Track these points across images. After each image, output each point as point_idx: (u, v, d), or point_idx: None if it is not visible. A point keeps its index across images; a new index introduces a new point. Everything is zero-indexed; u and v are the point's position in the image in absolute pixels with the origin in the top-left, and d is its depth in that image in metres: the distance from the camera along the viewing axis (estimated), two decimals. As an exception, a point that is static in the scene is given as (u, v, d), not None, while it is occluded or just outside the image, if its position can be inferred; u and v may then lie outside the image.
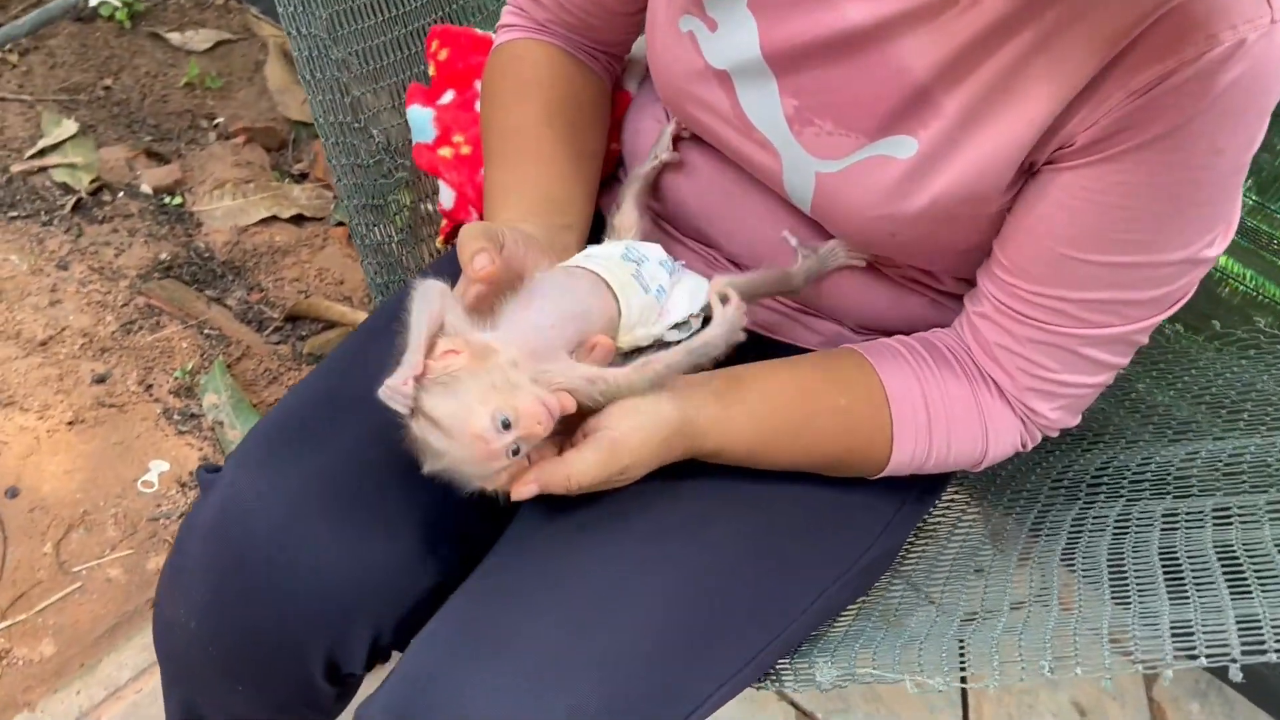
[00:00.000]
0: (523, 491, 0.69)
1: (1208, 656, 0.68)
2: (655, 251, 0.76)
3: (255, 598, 0.76)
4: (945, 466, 0.82)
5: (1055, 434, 0.84)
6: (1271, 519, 0.81)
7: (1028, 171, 0.73)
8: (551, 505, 0.79)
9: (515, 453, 0.65)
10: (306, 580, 0.76)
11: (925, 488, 0.94)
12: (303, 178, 1.96)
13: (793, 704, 1.42)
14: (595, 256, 0.75)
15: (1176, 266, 0.71)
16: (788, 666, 0.84)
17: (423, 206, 1.13)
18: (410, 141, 1.05)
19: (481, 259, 0.68)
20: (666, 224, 0.95)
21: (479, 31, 1.09)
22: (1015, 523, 1.01)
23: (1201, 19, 0.62)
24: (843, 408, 0.79)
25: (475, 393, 0.64)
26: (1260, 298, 1.32)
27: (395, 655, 0.84)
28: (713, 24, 0.78)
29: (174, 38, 2.13)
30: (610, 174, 1.00)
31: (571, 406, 0.69)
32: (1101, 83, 0.66)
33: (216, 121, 2.01)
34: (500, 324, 0.69)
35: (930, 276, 0.87)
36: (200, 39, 2.14)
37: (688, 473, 0.78)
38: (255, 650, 0.78)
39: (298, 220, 1.87)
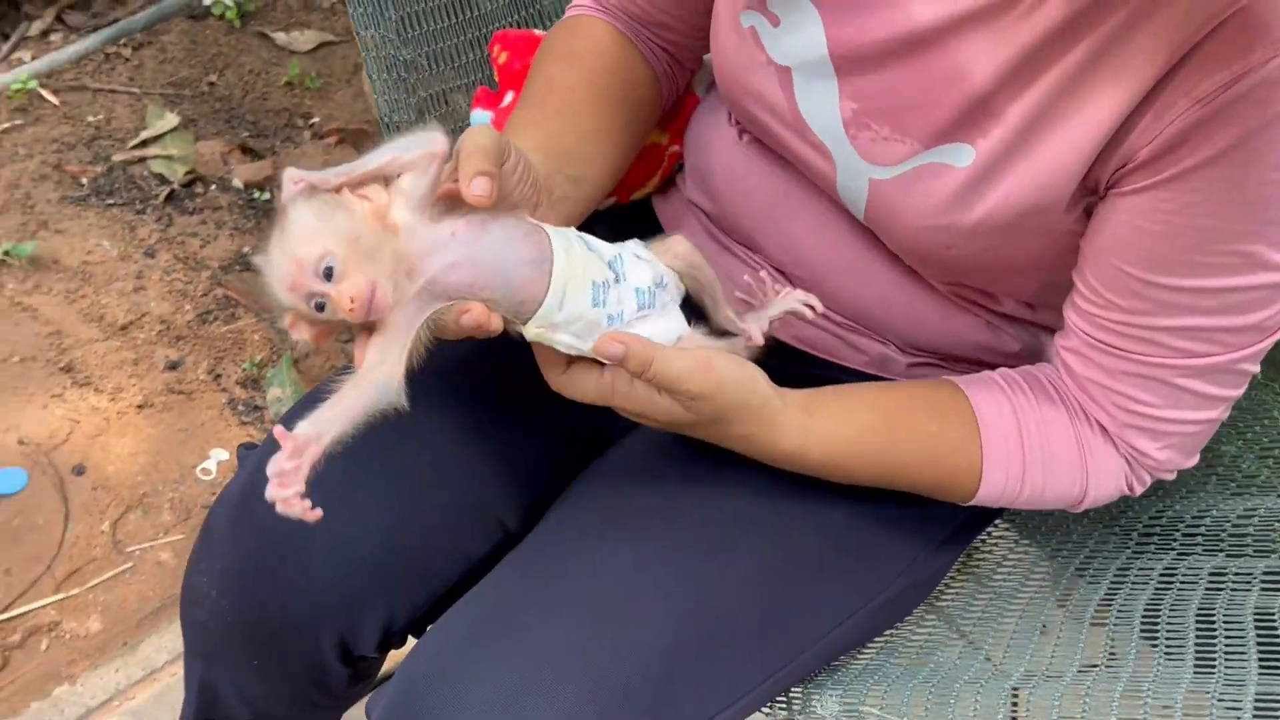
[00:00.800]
0: (609, 348, 0.66)
1: None
2: (646, 279, 0.72)
3: (271, 572, 0.78)
4: (1041, 504, 0.79)
5: (1170, 476, 0.79)
6: None
7: (1092, 191, 0.70)
8: (579, 509, 0.81)
9: (320, 309, 0.60)
10: (323, 560, 0.78)
11: (965, 524, 0.90)
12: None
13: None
14: (582, 240, 0.70)
15: (1269, 290, 0.67)
16: (798, 695, 0.83)
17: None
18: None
19: (481, 184, 0.63)
20: (714, 226, 0.93)
21: (539, 33, 1.09)
22: (1059, 565, 0.96)
23: (1269, 22, 0.59)
24: (932, 434, 0.76)
25: (334, 230, 0.60)
26: None
27: (412, 641, 0.85)
28: (775, 19, 0.77)
29: (279, 37, 2.19)
30: (669, 177, 1.00)
31: (377, 312, 0.63)
32: (1164, 90, 0.63)
33: (312, 121, 2.06)
34: (433, 220, 0.64)
35: (986, 296, 0.83)
36: (304, 40, 2.20)
37: (717, 492, 0.79)
38: (268, 623, 0.80)
39: (379, 221, 1.90)
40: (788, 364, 0.87)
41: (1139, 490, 0.79)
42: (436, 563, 0.83)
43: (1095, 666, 0.82)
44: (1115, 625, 0.86)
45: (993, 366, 0.82)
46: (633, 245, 0.74)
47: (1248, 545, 0.87)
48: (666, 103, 0.96)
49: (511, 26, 1.16)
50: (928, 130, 0.73)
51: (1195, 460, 0.78)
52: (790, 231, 0.86)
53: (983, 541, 1.05)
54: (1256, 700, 0.62)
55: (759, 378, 0.71)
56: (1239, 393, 0.74)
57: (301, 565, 0.78)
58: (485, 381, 0.87)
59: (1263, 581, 0.82)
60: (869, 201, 0.77)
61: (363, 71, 2.16)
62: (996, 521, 1.06)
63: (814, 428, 0.74)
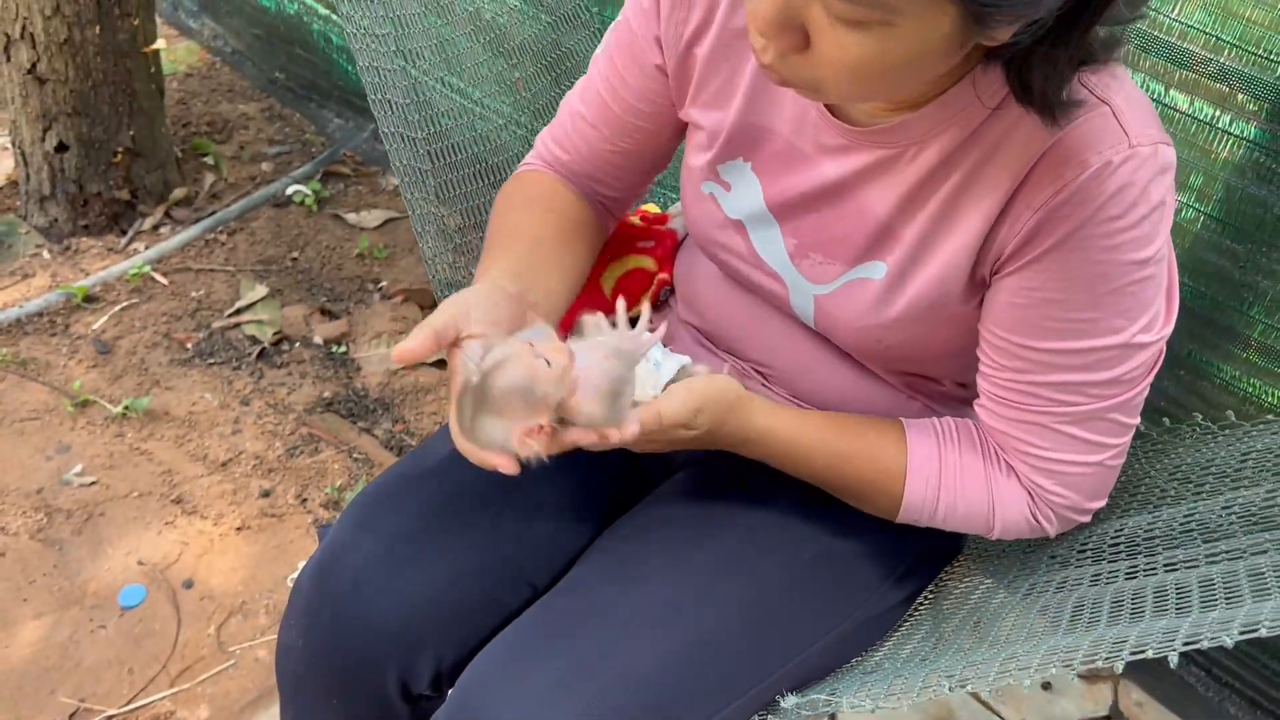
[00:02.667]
0: (628, 432, 0.83)
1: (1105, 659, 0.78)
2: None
3: (341, 626, 0.95)
4: (956, 520, 0.96)
5: (1083, 518, 0.95)
6: (1208, 562, 0.91)
7: (980, 284, 0.90)
8: (593, 564, 0.99)
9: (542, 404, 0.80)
10: (381, 614, 0.94)
11: (927, 554, 1.08)
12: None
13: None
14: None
15: (1117, 350, 0.85)
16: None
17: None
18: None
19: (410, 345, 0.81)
20: (704, 338, 1.14)
21: None
22: (1010, 591, 1.12)
23: (1075, 150, 0.80)
24: (871, 440, 0.97)
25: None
26: (1261, 401, 1.39)
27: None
28: (727, 185, 1.00)
29: (351, 217, 2.52)
30: (661, 299, 1.21)
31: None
32: (1013, 204, 0.84)
33: (381, 284, 2.36)
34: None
35: (927, 381, 1.04)
36: (372, 218, 2.53)
37: (705, 544, 0.97)
38: (340, 668, 0.97)
39: (440, 364, 2.16)
40: None
41: (1051, 529, 0.95)
42: (477, 614, 0.98)
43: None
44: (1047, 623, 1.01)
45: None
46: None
47: (1158, 547, 1.03)
48: (606, 234, 1.17)
49: None
50: (849, 254, 0.94)
51: (1100, 503, 0.94)
52: (763, 342, 1.07)
53: (943, 574, 1.21)
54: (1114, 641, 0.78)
55: (732, 383, 0.92)
56: (1120, 441, 0.91)
57: (368, 616, 0.94)
58: (526, 475, 1.02)
59: (1165, 567, 0.98)
60: (816, 312, 0.99)
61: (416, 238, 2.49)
62: (956, 557, 1.22)
63: (779, 413, 0.95)
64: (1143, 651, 0.70)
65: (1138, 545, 1.05)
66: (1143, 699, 1.65)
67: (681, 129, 1.06)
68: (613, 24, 1.05)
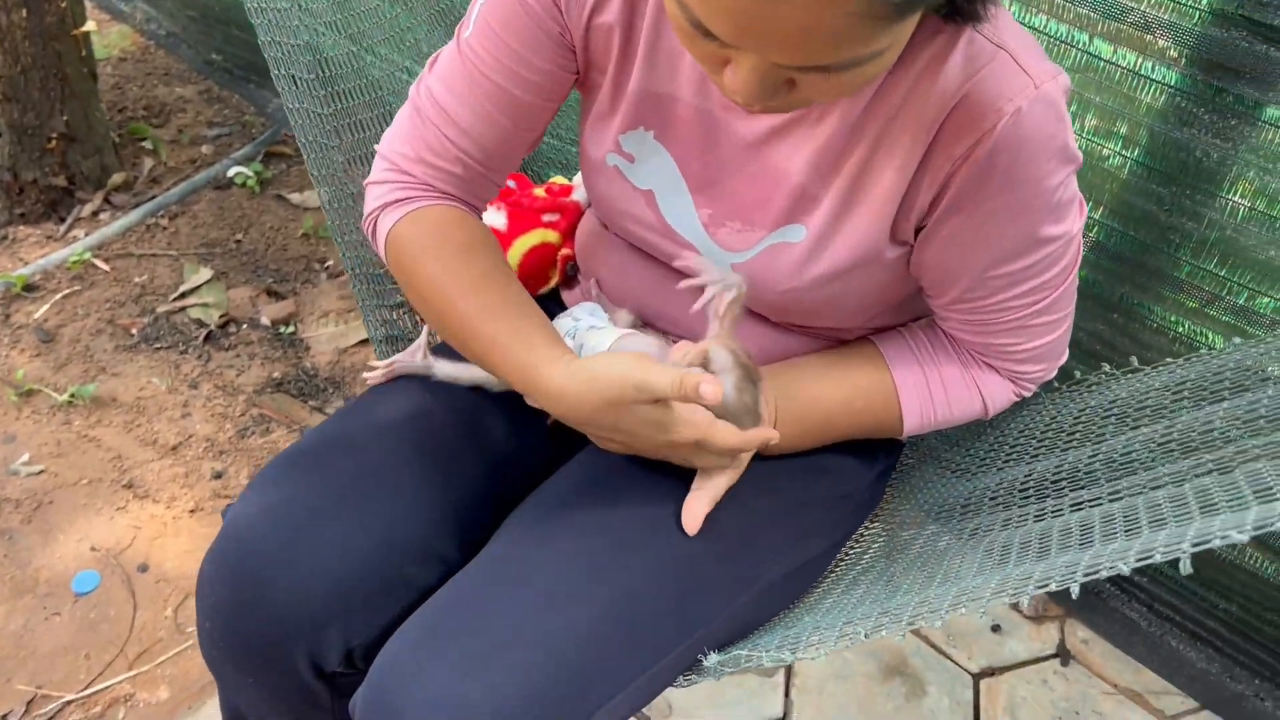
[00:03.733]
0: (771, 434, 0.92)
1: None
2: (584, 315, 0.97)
3: (244, 606, 0.90)
4: (954, 421, 1.04)
5: (1051, 376, 1.05)
6: (1151, 488, 0.94)
7: (903, 240, 0.92)
8: (514, 531, 0.94)
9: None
10: (281, 594, 0.89)
11: (848, 514, 1.09)
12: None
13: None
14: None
15: (1061, 244, 0.90)
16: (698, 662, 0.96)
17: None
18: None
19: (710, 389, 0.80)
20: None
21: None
22: (953, 533, 1.15)
23: (986, 101, 0.81)
24: (856, 410, 1.00)
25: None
26: (1192, 340, 1.43)
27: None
28: (631, 157, 0.97)
29: (294, 197, 2.50)
30: (569, 274, 1.20)
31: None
32: (930, 159, 0.85)
33: (327, 264, 2.35)
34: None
35: (844, 331, 1.05)
36: (315, 198, 2.51)
37: (630, 505, 0.93)
38: (250, 649, 0.92)
39: (389, 341, 2.16)
40: None
41: (1029, 393, 1.05)
42: (387, 590, 0.93)
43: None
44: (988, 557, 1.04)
45: None
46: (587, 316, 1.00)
47: (1100, 478, 1.07)
48: None
49: None
50: (768, 219, 0.93)
51: (1064, 359, 1.04)
52: (674, 310, 1.06)
53: (866, 523, 1.23)
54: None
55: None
56: (1072, 307, 0.98)
57: (268, 596, 0.89)
58: (434, 433, 1.00)
59: (1109, 498, 1.01)
60: None
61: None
62: (893, 506, 1.25)
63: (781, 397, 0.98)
64: (1096, 572, 0.73)
65: (1080, 480, 1.08)
66: (1088, 636, 1.70)
67: (564, 99, 1.00)
68: (480, 4, 0.95)
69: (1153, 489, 0.91)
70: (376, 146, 1.02)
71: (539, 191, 1.25)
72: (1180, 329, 1.44)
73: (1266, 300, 1.37)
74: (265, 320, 2.17)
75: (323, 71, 1.21)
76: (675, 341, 1.06)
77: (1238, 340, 1.05)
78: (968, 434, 1.25)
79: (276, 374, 2.06)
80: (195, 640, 1.60)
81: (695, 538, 0.92)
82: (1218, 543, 0.63)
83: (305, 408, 1.99)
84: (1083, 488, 1.04)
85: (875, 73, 0.72)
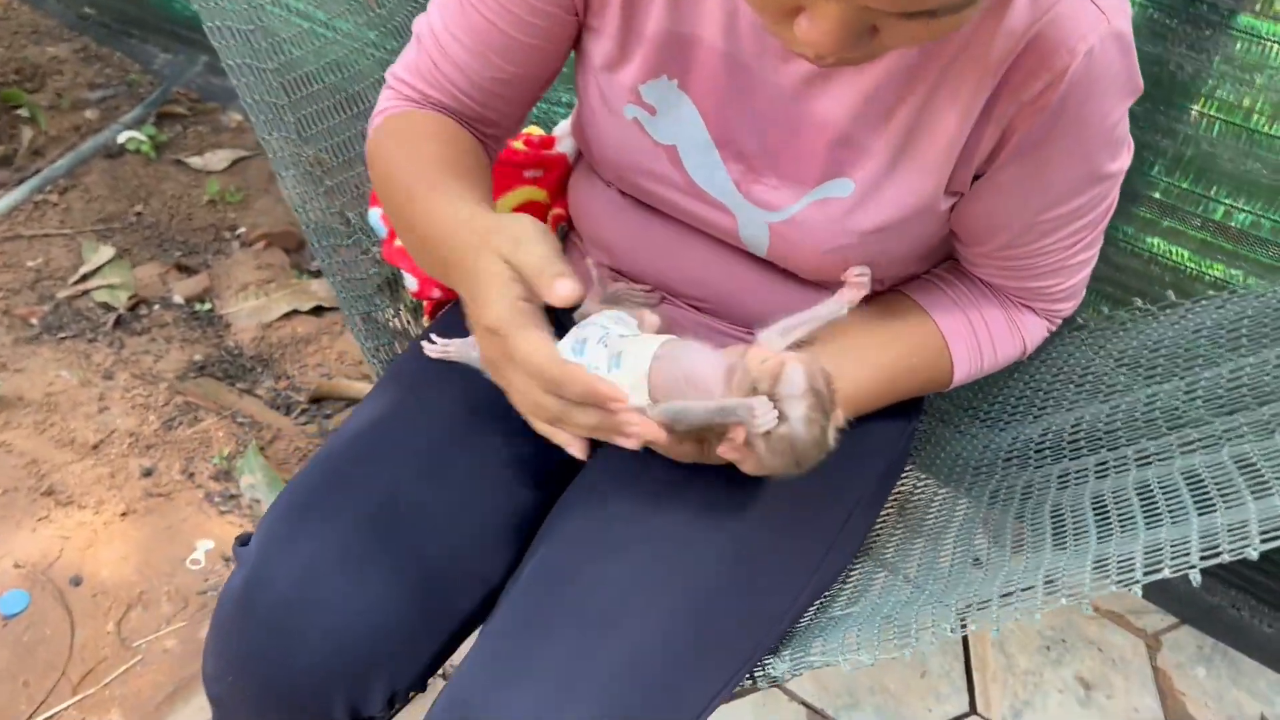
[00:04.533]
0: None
1: (1118, 582, 0.77)
2: (592, 332, 0.84)
3: (277, 658, 0.84)
4: (997, 368, 0.99)
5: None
6: (1183, 452, 0.90)
7: (957, 190, 0.85)
8: (557, 545, 0.88)
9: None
10: (320, 641, 0.83)
11: (880, 482, 1.04)
12: (319, 273, 2.13)
13: (803, 703, 1.50)
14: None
15: (1110, 183, 0.86)
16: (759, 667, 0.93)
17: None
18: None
19: (566, 286, 0.71)
20: (623, 277, 1.03)
21: None
22: (974, 499, 1.10)
23: (1059, 39, 0.75)
24: (913, 367, 0.94)
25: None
26: (1191, 270, 1.41)
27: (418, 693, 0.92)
28: (652, 109, 0.87)
29: (194, 161, 2.33)
30: (559, 235, 1.11)
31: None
32: (997, 102, 0.78)
33: (239, 231, 2.19)
34: None
35: (879, 283, 0.97)
36: (218, 159, 2.34)
37: (672, 508, 0.87)
38: (282, 702, 0.86)
39: (317, 311, 2.03)
40: None
41: (1056, 327, 1.02)
42: (430, 625, 0.88)
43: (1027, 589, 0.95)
44: (1032, 526, 1.00)
45: None
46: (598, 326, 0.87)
47: (1120, 436, 1.03)
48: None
49: None
50: (810, 174, 0.85)
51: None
52: (690, 273, 0.97)
53: (910, 493, 1.20)
54: (1145, 550, 0.76)
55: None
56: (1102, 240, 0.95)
57: (305, 646, 0.83)
58: (446, 450, 0.93)
59: (1136, 460, 0.97)
60: (770, 242, 0.90)
61: (277, 179, 2.31)
62: (911, 471, 1.20)
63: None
64: (1158, 569, 0.68)
65: (1099, 439, 1.04)
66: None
67: (574, 39, 0.92)
68: None
69: (1204, 450, 0.87)
70: (385, 73, 0.98)
71: (517, 145, 1.13)
72: (1151, 247, 1.41)
73: (1244, 215, 1.34)
74: (178, 298, 2.02)
75: (260, 22, 1.09)
76: (704, 317, 0.98)
77: None
78: (973, 392, 1.20)
79: (198, 356, 1.92)
80: (144, 657, 1.49)
81: (748, 528, 0.88)
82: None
83: (233, 391, 1.86)
84: (1104, 447, 1.00)
85: (974, 15, 0.65)
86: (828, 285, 0.94)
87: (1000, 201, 0.85)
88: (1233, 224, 1.34)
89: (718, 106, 0.86)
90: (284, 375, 1.91)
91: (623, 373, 0.80)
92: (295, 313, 2.02)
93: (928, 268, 1.00)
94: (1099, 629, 1.60)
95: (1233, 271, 1.37)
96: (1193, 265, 1.40)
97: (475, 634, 0.89)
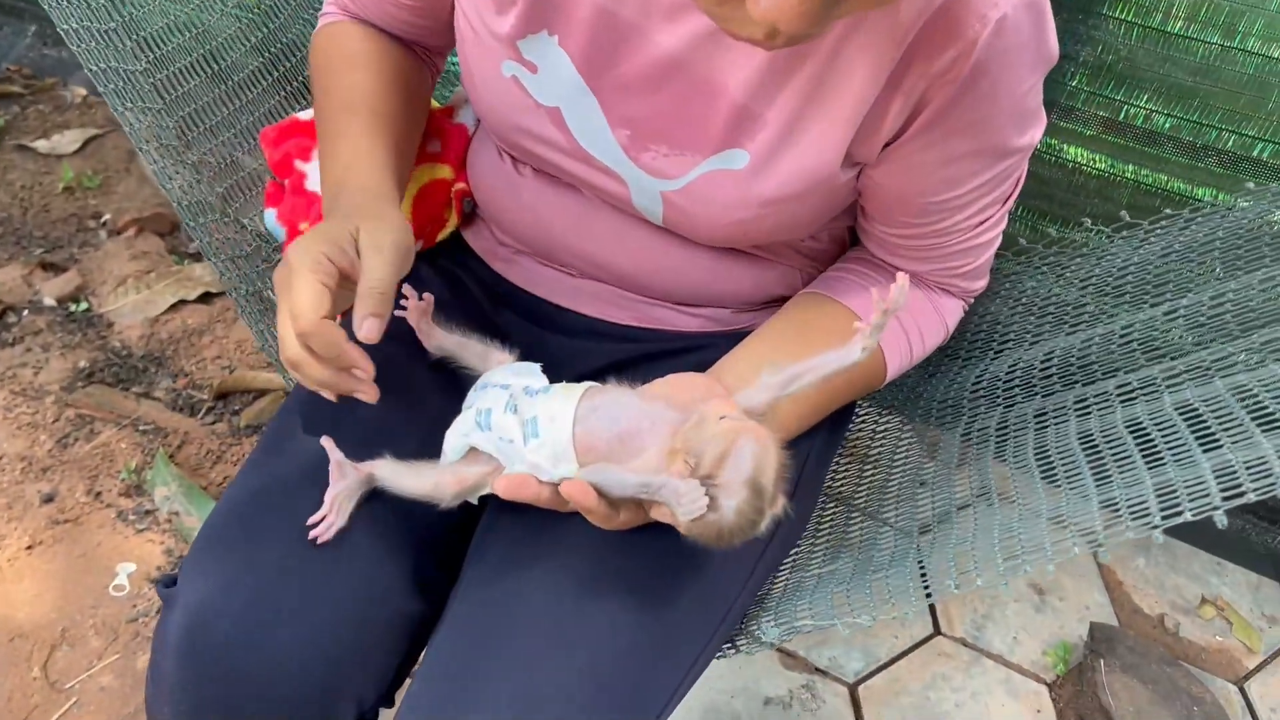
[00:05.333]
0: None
1: (1131, 525, 0.76)
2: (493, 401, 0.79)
3: (234, 703, 0.78)
4: (925, 356, 0.97)
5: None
6: (1170, 388, 0.89)
7: (857, 163, 0.81)
8: (497, 553, 0.83)
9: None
10: (277, 677, 0.78)
11: (830, 431, 1.01)
12: (200, 256, 1.98)
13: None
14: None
15: (1021, 156, 0.83)
16: (740, 634, 0.91)
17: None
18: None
19: (371, 326, 0.72)
20: (527, 254, 0.99)
21: (302, 117, 1.09)
22: (948, 434, 1.09)
23: (971, 6, 0.71)
24: (850, 380, 0.89)
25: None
26: (1116, 178, 1.41)
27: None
28: (533, 67, 0.83)
29: (41, 145, 2.13)
30: (466, 211, 1.03)
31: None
32: (905, 74, 0.74)
33: (104, 219, 2.02)
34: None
35: (788, 246, 0.95)
36: (68, 141, 2.14)
37: None
38: None
39: (205, 299, 1.89)
40: (640, 345, 0.97)
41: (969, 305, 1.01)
42: (386, 635, 0.83)
43: (1013, 504, 0.94)
44: (1015, 467, 0.99)
45: (793, 291, 0.96)
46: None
47: (1095, 370, 1.02)
48: (431, 89, 1.03)
49: (261, 73, 1.14)
50: (704, 143, 0.81)
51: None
52: (592, 248, 0.93)
53: (873, 433, 1.18)
54: (1155, 491, 0.75)
55: (679, 378, 0.81)
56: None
57: (260, 689, 0.78)
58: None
59: (1119, 396, 0.97)
60: (665, 211, 0.86)
61: (139, 157, 2.13)
62: (869, 411, 1.18)
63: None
64: (1178, 512, 0.67)
65: (1072, 373, 1.03)
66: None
67: None
68: None
69: (1194, 382, 0.86)
70: None
71: None
72: (1077, 157, 1.41)
73: (1164, 119, 1.35)
74: (49, 300, 1.86)
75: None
76: (613, 290, 0.92)
77: (1250, 186, 1.00)
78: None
79: (83, 363, 1.77)
80: (79, 698, 1.39)
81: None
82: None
83: (129, 397, 1.73)
84: (1079, 383, 0.99)
85: None
86: (731, 251, 0.92)
87: (909, 175, 0.82)
88: (1155, 128, 1.35)
89: (600, 68, 0.81)
90: (181, 373, 1.78)
91: (542, 442, 0.74)
92: (182, 303, 1.88)
93: (846, 224, 0.98)
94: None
95: (1177, 183, 1.38)
96: (1114, 173, 1.40)
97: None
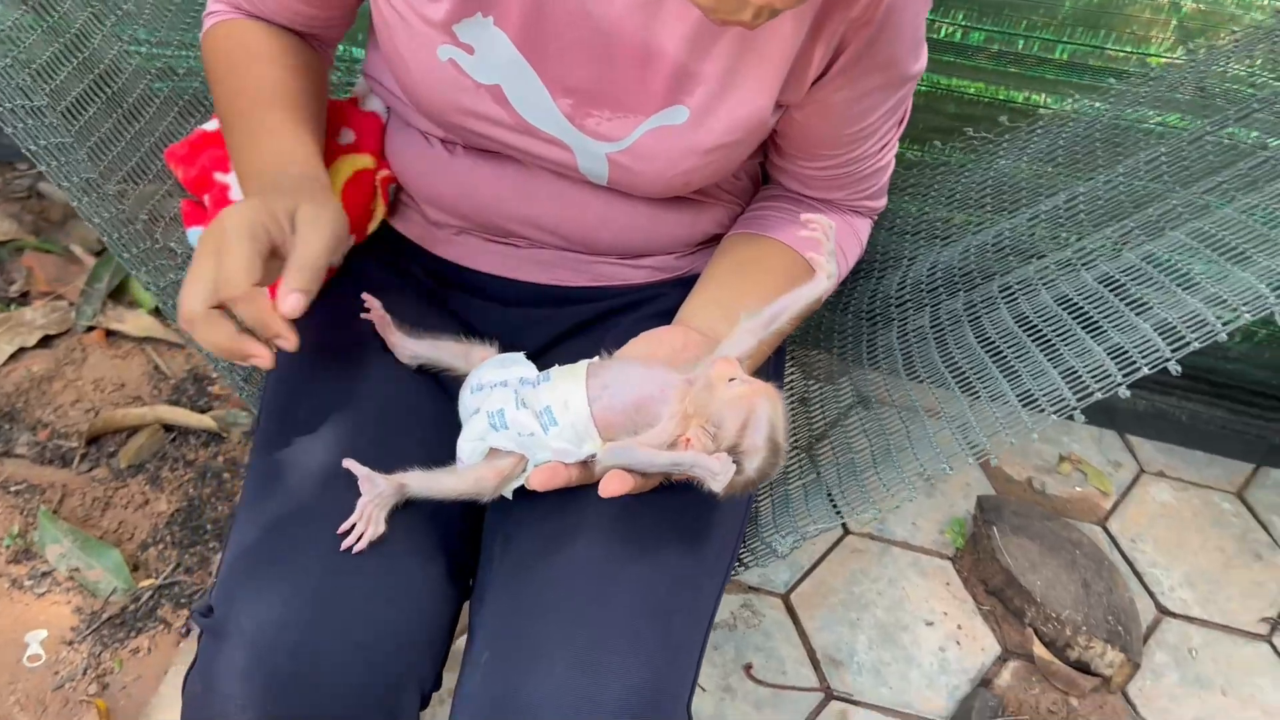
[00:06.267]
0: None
1: (1055, 413, 0.86)
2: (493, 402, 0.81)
3: (311, 713, 0.78)
4: (849, 271, 1.05)
5: None
6: (1045, 285, 1.01)
7: (784, 106, 0.88)
8: (525, 534, 0.86)
9: None
10: (346, 688, 0.78)
11: (775, 366, 1.09)
12: (25, 296, 1.85)
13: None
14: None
15: (911, 85, 0.92)
16: (747, 554, 0.99)
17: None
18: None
19: (295, 300, 0.74)
20: (470, 232, 1.00)
21: (195, 133, 1.05)
22: (853, 364, 1.18)
23: None
24: (780, 286, 0.91)
25: None
26: (975, 99, 1.54)
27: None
28: (469, 48, 0.84)
29: None
30: (390, 199, 1.03)
31: None
32: (826, 21, 0.81)
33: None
34: None
35: (717, 186, 1.01)
36: None
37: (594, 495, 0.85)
38: None
39: (46, 342, 1.77)
40: (596, 305, 1.01)
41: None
42: (436, 625, 0.84)
43: (937, 415, 1.03)
44: (929, 379, 1.08)
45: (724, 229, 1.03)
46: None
47: (975, 277, 1.13)
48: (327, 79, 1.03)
49: (152, 93, 1.10)
50: (645, 103, 0.85)
51: None
52: (535, 214, 0.96)
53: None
54: (1064, 375, 0.85)
55: (654, 334, 0.85)
56: None
57: (330, 704, 0.78)
58: (399, 444, 0.89)
59: (1003, 296, 1.07)
60: (610, 172, 0.90)
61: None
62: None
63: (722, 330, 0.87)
64: (1088, 394, 0.77)
65: (955, 281, 1.14)
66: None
67: None
68: None
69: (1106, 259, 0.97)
70: None
71: None
72: (946, 84, 1.53)
73: (977, 33, 1.48)
74: None
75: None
76: (556, 254, 0.96)
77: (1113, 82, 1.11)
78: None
79: (-75, 432, 1.63)
80: (27, 777, 1.31)
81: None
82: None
83: (-12, 458, 1.61)
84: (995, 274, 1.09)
85: None
86: (674, 199, 0.97)
87: (829, 112, 0.90)
88: (970, 43, 1.48)
89: (538, 43, 0.84)
90: (40, 424, 1.67)
91: (562, 428, 0.78)
92: (22, 351, 1.75)
93: (759, 160, 1.05)
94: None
95: (997, 90, 1.51)
96: (947, 89, 1.53)
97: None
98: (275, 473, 0.86)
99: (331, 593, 0.79)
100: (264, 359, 0.75)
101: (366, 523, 0.81)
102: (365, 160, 1.02)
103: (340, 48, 1.32)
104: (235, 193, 0.99)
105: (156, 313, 1.86)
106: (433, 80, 0.87)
